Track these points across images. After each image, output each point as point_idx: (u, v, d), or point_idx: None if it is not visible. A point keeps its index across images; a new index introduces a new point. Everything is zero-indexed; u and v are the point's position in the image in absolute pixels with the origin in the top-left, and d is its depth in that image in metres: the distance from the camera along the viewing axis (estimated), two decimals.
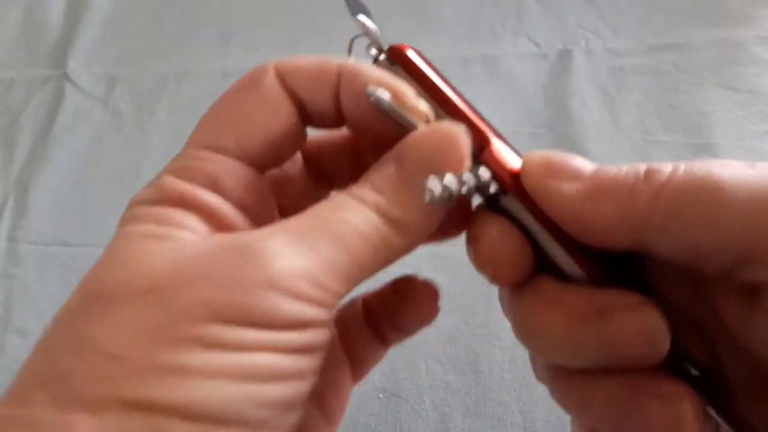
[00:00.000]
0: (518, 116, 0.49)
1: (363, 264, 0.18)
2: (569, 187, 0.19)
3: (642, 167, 0.18)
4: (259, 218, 0.20)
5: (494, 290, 0.22)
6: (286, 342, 0.16)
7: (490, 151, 0.20)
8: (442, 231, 0.21)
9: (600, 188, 0.18)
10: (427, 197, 0.18)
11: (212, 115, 0.20)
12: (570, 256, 0.19)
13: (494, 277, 0.20)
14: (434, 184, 0.18)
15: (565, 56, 0.53)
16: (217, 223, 0.19)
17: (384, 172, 0.19)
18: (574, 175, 0.19)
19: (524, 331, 0.20)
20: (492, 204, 0.20)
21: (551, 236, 0.19)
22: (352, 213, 0.18)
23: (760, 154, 0.46)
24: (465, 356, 0.37)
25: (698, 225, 0.17)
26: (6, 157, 0.51)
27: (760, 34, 0.53)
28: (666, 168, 0.18)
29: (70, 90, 0.55)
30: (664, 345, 0.18)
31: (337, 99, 0.20)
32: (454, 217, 0.20)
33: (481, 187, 0.19)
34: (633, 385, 0.19)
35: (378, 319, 0.25)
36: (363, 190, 0.19)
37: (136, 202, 0.19)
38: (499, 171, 0.19)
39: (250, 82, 0.20)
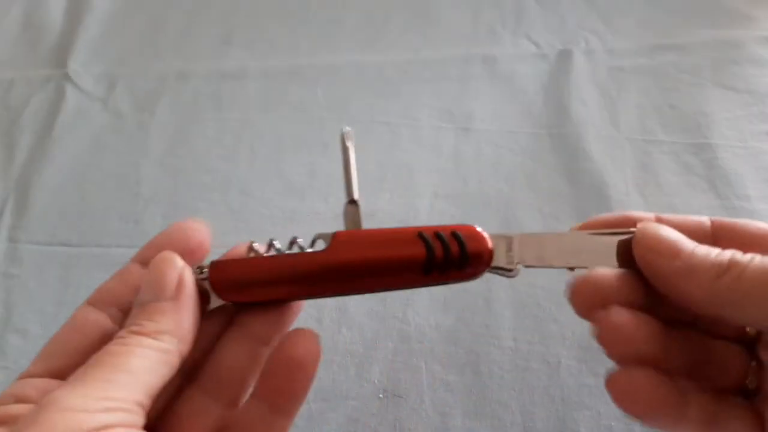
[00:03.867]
0: (518, 116, 0.49)
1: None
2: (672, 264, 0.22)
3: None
4: None
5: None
6: None
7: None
8: None
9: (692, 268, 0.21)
10: None
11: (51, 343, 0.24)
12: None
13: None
14: None
15: (565, 56, 0.53)
16: None
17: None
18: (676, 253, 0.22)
19: None
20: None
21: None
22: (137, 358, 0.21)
23: (759, 154, 0.46)
24: (465, 356, 0.37)
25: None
26: (6, 157, 0.51)
27: (760, 34, 0.53)
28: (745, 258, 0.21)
29: (70, 90, 0.55)
30: None
31: None
32: None
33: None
34: None
35: None
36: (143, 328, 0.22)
37: None
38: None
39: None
